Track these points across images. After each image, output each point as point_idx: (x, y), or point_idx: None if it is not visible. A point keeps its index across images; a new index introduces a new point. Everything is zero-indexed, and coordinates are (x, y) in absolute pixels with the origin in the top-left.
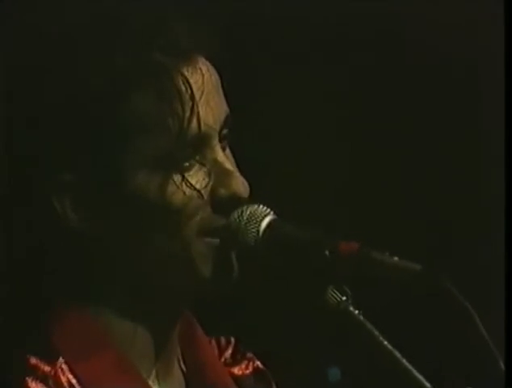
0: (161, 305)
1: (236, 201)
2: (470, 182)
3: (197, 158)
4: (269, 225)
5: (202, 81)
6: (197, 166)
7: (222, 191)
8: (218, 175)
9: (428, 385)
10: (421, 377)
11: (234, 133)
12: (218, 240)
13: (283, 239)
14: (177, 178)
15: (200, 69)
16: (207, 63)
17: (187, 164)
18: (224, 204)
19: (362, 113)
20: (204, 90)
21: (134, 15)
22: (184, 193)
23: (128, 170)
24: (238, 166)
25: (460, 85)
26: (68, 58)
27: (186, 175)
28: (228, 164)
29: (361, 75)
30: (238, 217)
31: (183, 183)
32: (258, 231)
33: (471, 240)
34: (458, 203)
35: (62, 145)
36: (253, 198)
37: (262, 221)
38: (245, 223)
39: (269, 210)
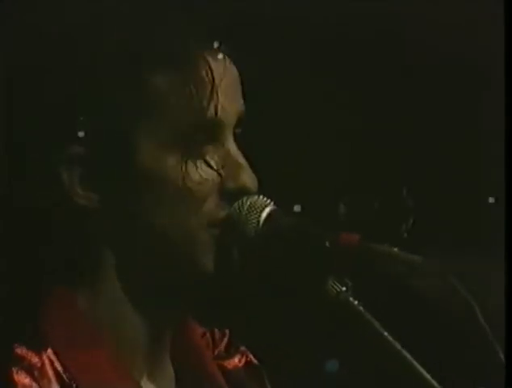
0: (159, 300)
1: (244, 195)
2: (470, 182)
3: (212, 143)
4: (269, 215)
5: (223, 69)
6: (211, 153)
7: (231, 183)
8: (229, 166)
9: (428, 376)
10: (422, 369)
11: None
12: (219, 231)
13: (284, 230)
14: (192, 159)
15: (222, 58)
16: (227, 58)
17: (202, 148)
18: (232, 196)
19: (362, 113)
20: (223, 79)
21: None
22: (200, 176)
23: (140, 146)
24: None
25: (460, 85)
26: (68, 58)
27: (200, 159)
28: (241, 158)
29: (361, 75)
30: (239, 208)
31: (198, 165)
32: (259, 222)
33: (471, 240)
34: (458, 203)
35: (74, 116)
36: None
37: (262, 211)
38: (246, 214)
39: (269, 201)
